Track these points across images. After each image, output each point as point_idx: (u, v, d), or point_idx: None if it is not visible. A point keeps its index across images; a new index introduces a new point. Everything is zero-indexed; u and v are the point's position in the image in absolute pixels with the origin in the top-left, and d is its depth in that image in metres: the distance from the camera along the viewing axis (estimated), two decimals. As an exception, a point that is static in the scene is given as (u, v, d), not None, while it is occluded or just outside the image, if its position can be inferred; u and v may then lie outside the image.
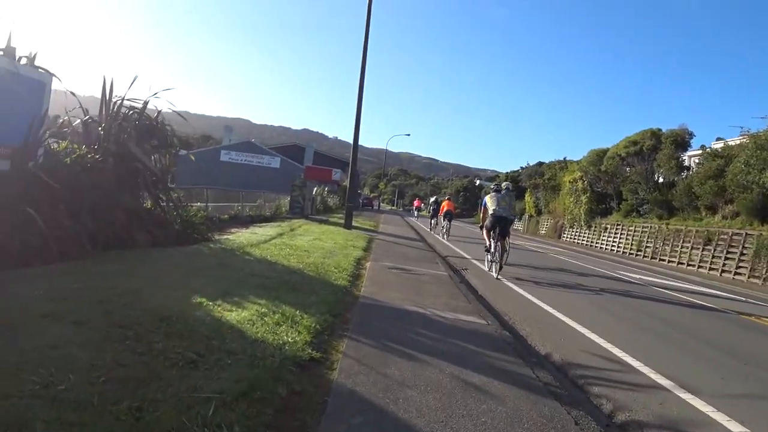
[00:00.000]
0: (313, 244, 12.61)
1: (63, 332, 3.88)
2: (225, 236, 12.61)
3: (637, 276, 17.61)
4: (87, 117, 10.03)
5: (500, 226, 12.25)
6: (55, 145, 9.22)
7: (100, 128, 10.09)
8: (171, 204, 11.02)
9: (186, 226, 11.02)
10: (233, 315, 4.96)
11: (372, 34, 20.60)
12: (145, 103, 10.75)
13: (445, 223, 25.39)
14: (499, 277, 12.09)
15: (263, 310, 5.30)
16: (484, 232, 12.97)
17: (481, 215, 13.59)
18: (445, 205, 25.98)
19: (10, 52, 7.91)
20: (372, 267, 10.56)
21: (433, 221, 32.40)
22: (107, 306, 4.70)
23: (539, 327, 7.47)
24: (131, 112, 10.64)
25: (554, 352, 6.19)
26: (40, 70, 8.37)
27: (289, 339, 4.46)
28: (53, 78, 8.59)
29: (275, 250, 10.64)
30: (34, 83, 8.20)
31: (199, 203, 15.48)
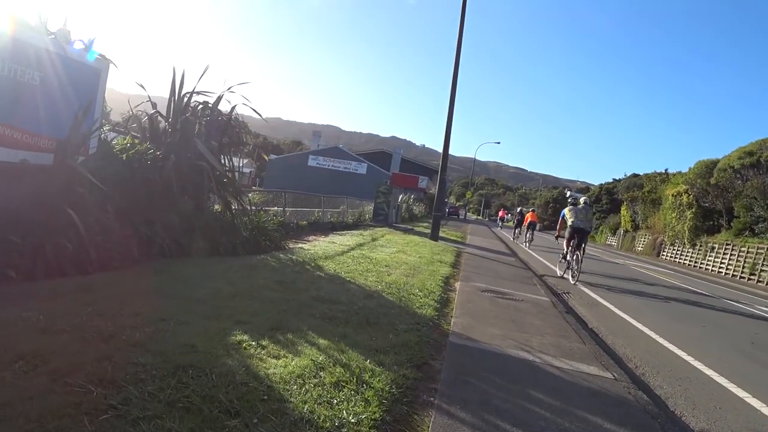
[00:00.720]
0: (395, 258, 11.21)
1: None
2: (300, 245, 11.45)
3: (763, 307, 15.01)
4: (153, 111, 9.17)
5: (578, 237, 13.31)
6: (115, 141, 8.38)
7: (166, 123, 9.20)
8: (241, 208, 9.98)
9: (256, 233, 9.93)
10: (278, 366, 3.58)
11: (464, 42, 19.01)
12: (219, 97, 9.80)
13: (528, 234, 27.57)
14: (576, 282, 13.05)
15: (321, 358, 3.89)
16: (564, 241, 13.89)
17: (559, 226, 14.90)
18: (529, 217, 28.22)
19: (63, 35, 7.02)
20: (462, 289, 9.01)
21: (516, 230, 33.09)
22: (108, 346, 3.47)
23: (680, 384, 5.67)
24: (201, 106, 9.71)
25: (714, 429, 4.46)
26: (96, 56, 7.47)
27: (350, 416, 3.03)
28: (111, 66, 7.68)
29: (352, 264, 9.30)
30: (88, 69, 7.28)
31: (276, 208, 14.50)
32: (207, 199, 9.21)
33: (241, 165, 10.56)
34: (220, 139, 9.84)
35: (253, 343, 3.97)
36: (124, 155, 7.84)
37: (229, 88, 9.82)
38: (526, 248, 24.48)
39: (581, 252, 13.35)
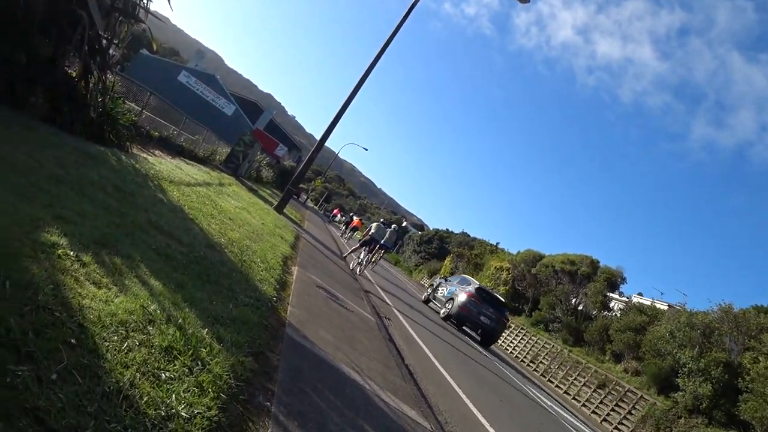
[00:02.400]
0: (239, 215, 10.15)
1: None
2: (145, 155, 10.03)
3: (545, 401, 16.14)
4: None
5: (371, 245, 17.12)
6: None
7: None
8: (101, 87, 8.40)
9: (105, 120, 8.42)
10: (97, 299, 2.61)
11: (373, 39, 18.54)
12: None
13: (349, 233, 35.37)
14: (361, 273, 16.61)
15: (153, 307, 2.96)
16: (359, 244, 17.73)
17: (364, 234, 18.15)
18: (355, 222, 35.72)
19: None
20: (299, 277, 8.28)
21: (344, 228, 41.64)
22: None
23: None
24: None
25: None
26: None
27: (181, 407, 2.22)
28: None
29: (197, 201, 8.17)
30: None
31: (133, 104, 12.70)
32: (68, 55, 7.60)
33: (119, 37, 8.94)
34: (111, 2, 8.23)
35: (71, 253, 2.93)
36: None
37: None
38: (344, 242, 28.85)
39: (373, 255, 17.68)
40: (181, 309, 3.24)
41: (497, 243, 65.28)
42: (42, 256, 2.68)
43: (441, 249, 71.36)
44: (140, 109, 12.92)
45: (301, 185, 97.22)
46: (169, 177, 8.81)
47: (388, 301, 15.16)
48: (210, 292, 4.03)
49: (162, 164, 10.11)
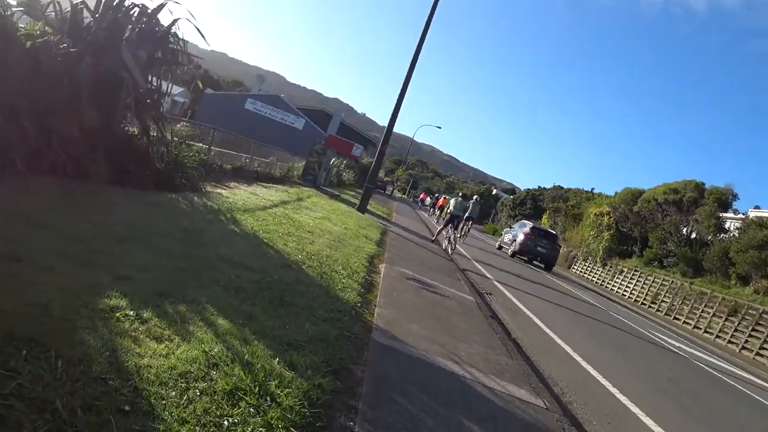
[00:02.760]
0: (320, 225, 10.30)
1: None
2: (219, 190, 10.36)
3: (675, 343, 15.27)
4: (79, 1, 7.77)
5: (455, 221, 17.39)
6: (22, 24, 7.02)
7: (91, 18, 7.84)
8: (161, 136, 8.76)
9: (172, 167, 8.77)
10: (156, 355, 2.66)
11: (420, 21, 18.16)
12: (161, 5, 8.47)
13: (437, 213, 34.85)
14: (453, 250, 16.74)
15: (217, 349, 2.99)
16: (444, 223, 18.02)
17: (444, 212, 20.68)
18: (440, 202, 35.46)
19: None
20: (387, 273, 8.27)
21: (432, 211, 42.74)
22: None
23: (609, 422, 5.27)
24: (137, 10, 8.37)
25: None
26: None
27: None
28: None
29: (272, 223, 8.34)
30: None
31: (201, 144, 13.18)
32: (122, 117, 7.96)
33: (169, 89, 9.26)
34: (153, 52, 8.53)
35: (131, 313, 3.02)
36: (29, 42, 6.51)
37: (174, -3, 8.52)
38: (436, 224, 27.39)
39: (459, 231, 18.65)
40: (249, 343, 3.25)
41: (592, 189, 62.96)
42: (100, 323, 2.77)
43: (536, 208, 69.46)
44: (207, 146, 13.37)
45: (386, 178, 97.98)
46: (243, 206, 9.04)
47: (487, 274, 14.87)
48: (283, 316, 4.04)
49: (236, 195, 10.41)
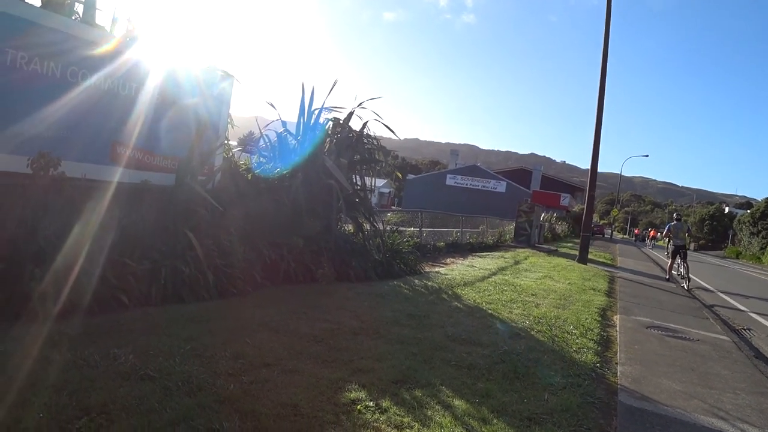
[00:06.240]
0: (542, 285, 9.94)
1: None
2: (436, 268, 10.58)
3: None
4: (282, 129, 8.80)
5: (681, 251, 15.95)
6: (242, 161, 8.10)
7: (294, 141, 8.80)
8: (373, 229, 9.32)
9: (389, 255, 9.21)
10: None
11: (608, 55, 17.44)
12: (350, 113, 9.26)
13: (651, 245, 38.71)
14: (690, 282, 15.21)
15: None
16: (671, 256, 16.36)
17: (666, 243, 17.37)
18: (651, 233, 39.44)
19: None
20: (623, 325, 7.60)
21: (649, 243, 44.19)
22: (192, 400, 2.78)
23: None
24: (331, 122, 9.22)
25: None
26: (219, 72, 7.17)
27: None
28: (234, 82, 7.36)
29: (494, 292, 8.24)
30: (213, 87, 7.00)
31: (412, 228, 13.76)
32: (337, 219, 8.65)
33: (373, 183, 9.89)
34: (351, 156, 9.27)
35: (371, 403, 3.11)
36: (250, 174, 7.46)
37: (360, 104, 9.26)
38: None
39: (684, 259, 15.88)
40: (488, 423, 3.13)
41: None
42: (344, 417, 2.88)
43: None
44: (418, 229, 13.88)
45: (601, 222, 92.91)
46: (462, 280, 9.07)
47: (739, 306, 12.98)
48: (520, 389, 3.85)
49: (454, 270, 10.53)
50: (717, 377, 5.48)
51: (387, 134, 10.00)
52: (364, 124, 9.53)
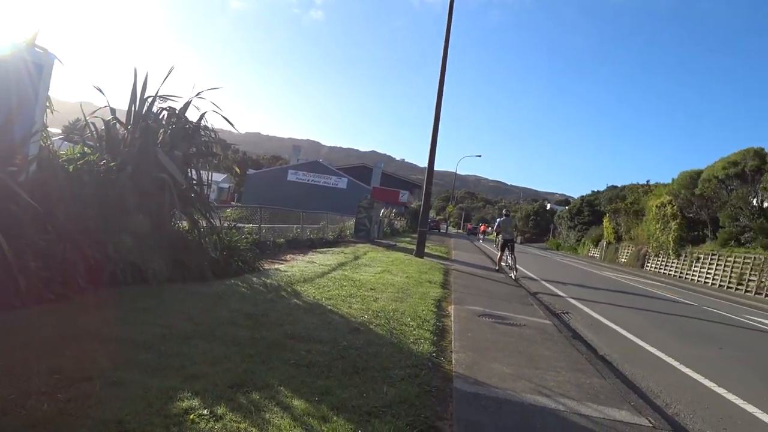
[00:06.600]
0: (381, 279, 10.22)
1: None
2: (276, 265, 10.44)
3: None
4: (111, 117, 8.12)
5: (510, 244, 17.44)
6: (64, 151, 7.37)
7: (125, 131, 8.17)
8: (210, 226, 8.93)
9: (227, 253, 8.91)
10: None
11: (447, 57, 18.40)
12: (186, 103, 8.77)
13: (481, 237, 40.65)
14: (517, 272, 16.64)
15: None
16: (500, 249, 18.08)
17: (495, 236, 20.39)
18: (482, 228, 40.71)
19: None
20: (457, 314, 8.07)
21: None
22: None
23: (725, 428, 4.83)
24: (165, 112, 8.69)
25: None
26: (37, 49, 6.43)
27: None
28: (56, 61, 6.64)
29: (333, 287, 8.31)
30: (29, 66, 6.25)
31: (251, 225, 13.44)
32: (170, 216, 8.18)
33: (209, 178, 9.49)
34: (187, 149, 8.80)
35: (205, 411, 2.97)
36: (71, 166, 6.80)
37: (198, 94, 8.82)
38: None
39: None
40: (329, 420, 3.14)
41: (648, 181, 61.25)
42: (174, 429, 2.72)
43: (594, 214, 67.73)
44: (257, 226, 13.60)
45: (438, 217, 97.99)
46: (302, 276, 9.05)
47: (559, 292, 14.51)
48: (359, 384, 3.91)
49: (294, 267, 10.46)
50: (541, 358, 6.01)
51: (228, 127, 9.65)
52: (202, 115, 9.10)
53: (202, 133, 9.26)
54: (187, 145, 8.83)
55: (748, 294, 27.08)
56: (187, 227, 8.77)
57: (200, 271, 7.86)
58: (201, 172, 9.20)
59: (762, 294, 26.40)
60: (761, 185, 31.20)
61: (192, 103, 8.79)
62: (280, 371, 3.89)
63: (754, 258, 28.13)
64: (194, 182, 8.87)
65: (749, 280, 27.97)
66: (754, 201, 31.79)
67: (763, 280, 26.83)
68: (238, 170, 12.20)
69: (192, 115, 9.00)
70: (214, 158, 9.53)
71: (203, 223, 8.79)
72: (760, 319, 14.66)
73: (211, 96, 8.97)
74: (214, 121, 9.03)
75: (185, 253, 7.83)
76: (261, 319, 5.46)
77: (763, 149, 33.78)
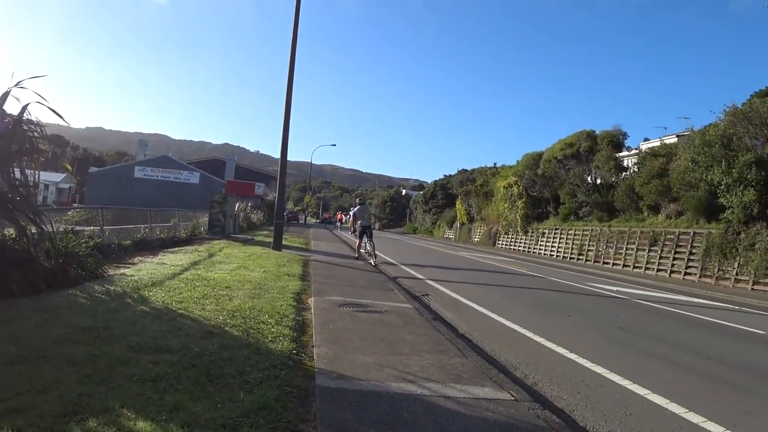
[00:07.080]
0: (237, 276, 9.82)
1: None
2: (122, 270, 9.70)
3: (612, 288, 15.80)
4: None
5: (368, 231, 17.82)
6: None
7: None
8: (40, 231, 8.05)
9: (64, 261, 8.11)
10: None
11: (298, 50, 18.20)
12: (5, 94, 7.80)
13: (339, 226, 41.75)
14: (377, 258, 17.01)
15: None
16: (358, 237, 17.98)
17: (351, 225, 19.55)
18: (338, 216, 43.08)
19: None
20: (317, 306, 7.96)
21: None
22: None
23: (579, 391, 5.18)
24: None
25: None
26: None
27: None
28: None
29: (185, 289, 7.83)
30: None
31: (92, 228, 12.38)
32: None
33: (37, 178, 8.51)
34: (7, 146, 7.85)
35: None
36: None
37: (18, 83, 7.87)
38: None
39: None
40: (177, 439, 2.88)
41: (495, 164, 65.17)
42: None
43: (447, 197, 71.06)
44: (99, 228, 12.58)
45: (296, 208, 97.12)
46: (150, 280, 8.45)
47: (418, 275, 14.97)
48: (213, 394, 3.65)
49: (141, 270, 9.79)
50: (404, 343, 6.08)
51: (59, 121, 8.70)
52: (24, 108, 8.13)
53: (25, 128, 8.30)
54: (6, 142, 7.87)
55: (588, 263, 29.97)
56: (13, 235, 7.85)
57: (31, 283, 7.08)
58: (27, 171, 8.26)
59: (600, 262, 29.30)
60: (594, 164, 34.35)
61: (11, 93, 7.84)
62: (122, 390, 3.53)
63: (591, 230, 31.24)
64: (19, 183, 7.94)
65: (588, 250, 30.98)
66: (589, 178, 35.03)
67: (600, 249, 29.70)
68: (68, 168, 11.14)
69: (12, 108, 8.01)
70: (41, 156, 8.57)
71: (33, 229, 7.91)
72: (600, 285, 16.21)
73: (36, 86, 8.04)
74: (42, 115, 8.05)
75: (12, 265, 7.00)
76: (101, 333, 4.97)
77: (593, 131, 37.27)
